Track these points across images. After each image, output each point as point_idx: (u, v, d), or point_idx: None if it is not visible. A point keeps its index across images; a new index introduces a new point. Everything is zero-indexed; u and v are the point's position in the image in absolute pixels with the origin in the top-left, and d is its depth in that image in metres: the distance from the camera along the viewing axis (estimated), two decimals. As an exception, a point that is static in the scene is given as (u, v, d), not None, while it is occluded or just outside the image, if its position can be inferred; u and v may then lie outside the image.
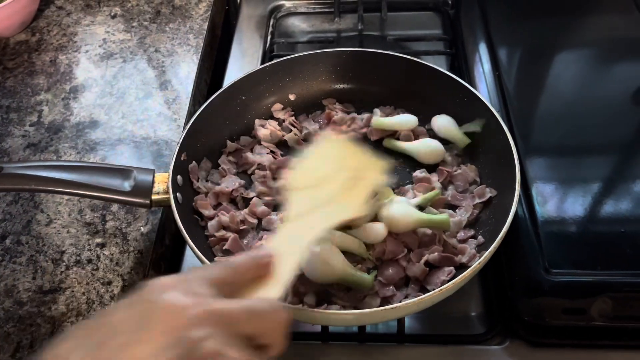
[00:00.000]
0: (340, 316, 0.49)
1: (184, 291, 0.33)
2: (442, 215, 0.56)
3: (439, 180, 0.62)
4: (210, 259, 0.54)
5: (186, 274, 0.36)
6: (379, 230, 0.55)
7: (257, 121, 0.69)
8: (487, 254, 0.48)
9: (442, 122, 0.66)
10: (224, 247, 0.57)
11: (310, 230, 0.44)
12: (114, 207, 0.63)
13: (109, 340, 0.30)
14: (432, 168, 0.64)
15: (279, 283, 0.38)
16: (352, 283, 0.53)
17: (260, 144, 0.67)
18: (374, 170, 0.52)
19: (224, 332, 0.31)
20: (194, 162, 0.62)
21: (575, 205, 0.58)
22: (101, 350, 0.30)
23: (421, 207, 0.58)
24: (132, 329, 0.31)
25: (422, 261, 0.54)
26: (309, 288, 0.53)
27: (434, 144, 0.64)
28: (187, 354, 0.30)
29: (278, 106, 0.70)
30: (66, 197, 0.64)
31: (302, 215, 0.45)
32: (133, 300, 0.33)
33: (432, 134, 0.66)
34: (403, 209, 0.56)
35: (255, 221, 0.59)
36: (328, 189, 0.48)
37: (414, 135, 0.67)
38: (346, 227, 0.54)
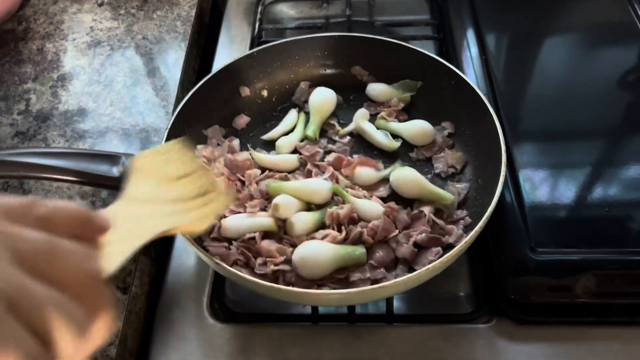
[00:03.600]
0: (329, 296, 0.50)
1: None
2: (449, 194, 0.58)
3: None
4: (200, 243, 0.55)
5: None
6: (375, 208, 0.57)
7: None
8: (472, 233, 0.49)
9: (376, 87, 0.70)
10: (211, 235, 0.57)
11: (151, 220, 0.39)
12: (104, 194, 0.63)
13: None
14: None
15: (108, 258, 0.31)
16: (349, 263, 0.54)
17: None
18: (222, 196, 0.48)
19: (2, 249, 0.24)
20: None
21: (561, 187, 0.59)
22: None
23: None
24: None
25: (411, 242, 0.55)
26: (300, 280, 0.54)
27: (424, 125, 0.65)
28: None
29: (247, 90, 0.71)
30: (55, 184, 0.64)
31: (144, 200, 0.40)
32: None
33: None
34: (414, 174, 0.59)
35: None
36: (176, 189, 0.44)
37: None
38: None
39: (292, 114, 0.69)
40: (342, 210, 0.57)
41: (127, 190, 0.40)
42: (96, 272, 0.27)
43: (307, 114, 0.69)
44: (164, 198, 0.42)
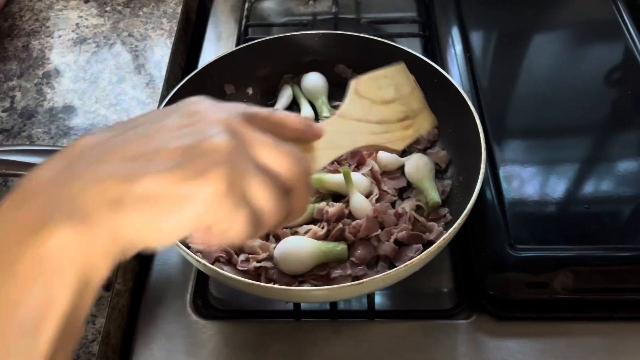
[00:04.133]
0: (309, 293, 0.50)
1: (214, 106, 0.33)
2: (436, 199, 0.58)
3: None
4: (183, 241, 0.55)
5: (225, 103, 0.35)
6: (367, 207, 0.58)
7: None
8: (451, 230, 0.50)
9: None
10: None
11: (355, 135, 0.47)
12: (88, 191, 0.63)
13: (130, 129, 0.32)
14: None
15: (315, 160, 0.39)
16: (330, 259, 0.54)
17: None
18: (426, 121, 0.56)
19: (243, 143, 0.32)
20: None
21: (542, 184, 0.59)
22: (121, 135, 0.31)
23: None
24: (152, 123, 0.32)
25: (392, 239, 0.56)
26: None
27: None
28: (197, 143, 0.30)
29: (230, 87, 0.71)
30: (39, 182, 0.64)
31: (353, 118, 0.47)
32: (163, 108, 0.35)
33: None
34: (428, 161, 0.62)
35: None
36: (384, 111, 0.51)
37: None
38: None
39: (288, 91, 0.70)
40: (332, 209, 0.57)
41: (341, 107, 0.48)
42: (308, 171, 0.35)
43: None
44: (371, 118, 0.49)
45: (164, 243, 0.30)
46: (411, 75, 0.56)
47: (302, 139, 0.38)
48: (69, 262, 0.27)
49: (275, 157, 0.33)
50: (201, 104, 0.33)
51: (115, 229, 0.28)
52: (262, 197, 0.32)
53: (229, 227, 0.31)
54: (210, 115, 0.32)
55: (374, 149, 0.53)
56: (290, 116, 0.37)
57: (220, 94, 0.70)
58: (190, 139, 0.30)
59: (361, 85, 0.51)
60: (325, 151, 0.41)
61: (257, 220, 0.32)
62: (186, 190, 0.29)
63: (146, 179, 0.29)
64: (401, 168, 0.63)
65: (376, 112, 0.50)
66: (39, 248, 0.27)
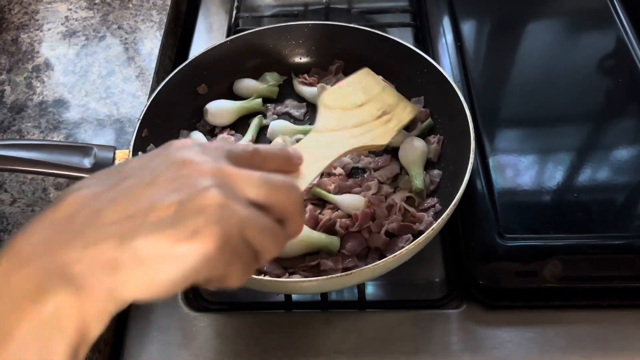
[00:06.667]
0: (300, 284, 0.50)
1: (199, 152, 0.34)
2: (420, 184, 0.58)
3: None
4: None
5: (207, 143, 0.35)
6: (358, 202, 0.58)
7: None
8: (440, 220, 0.50)
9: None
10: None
11: (336, 144, 0.47)
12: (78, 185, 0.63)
13: (119, 182, 0.32)
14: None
15: (301, 182, 0.40)
16: (322, 247, 0.55)
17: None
18: (405, 110, 0.57)
19: (233, 188, 0.32)
20: (151, 144, 0.61)
21: (531, 174, 0.59)
22: (111, 190, 0.31)
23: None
24: (142, 175, 0.32)
25: (383, 231, 0.56)
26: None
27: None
28: (190, 200, 0.30)
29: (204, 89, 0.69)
30: (30, 176, 0.64)
31: (329, 130, 0.49)
32: (149, 154, 0.35)
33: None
34: (424, 146, 0.62)
35: None
36: (359, 114, 0.52)
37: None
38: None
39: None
40: (324, 217, 0.57)
41: (315, 124, 0.50)
42: (299, 196, 0.36)
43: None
44: (347, 125, 0.50)
45: (160, 297, 0.30)
46: (378, 76, 0.58)
47: (286, 169, 0.39)
48: (67, 326, 0.28)
49: (265, 193, 0.34)
50: (187, 152, 0.34)
51: (111, 291, 0.29)
52: (259, 241, 0.33)
53: (226, 276, 0.32)
54: (198, 165, 0.33)
55: (359, 151, 0.54)
56: (270, 149, 0.38)
57: (210, 85, 0.69)
58: (182, 195, 0.31)
59: (329, 97, 0.52)
60: (309, 167, 0.41)
61: (255, 260, 0.33)
62: (181, 251, 0.29)
63: (140, 240, 0.29)
64: (392, 153, 0.63)
65: (351, 117, 0.51)
66: (37, 315, 0.28)
